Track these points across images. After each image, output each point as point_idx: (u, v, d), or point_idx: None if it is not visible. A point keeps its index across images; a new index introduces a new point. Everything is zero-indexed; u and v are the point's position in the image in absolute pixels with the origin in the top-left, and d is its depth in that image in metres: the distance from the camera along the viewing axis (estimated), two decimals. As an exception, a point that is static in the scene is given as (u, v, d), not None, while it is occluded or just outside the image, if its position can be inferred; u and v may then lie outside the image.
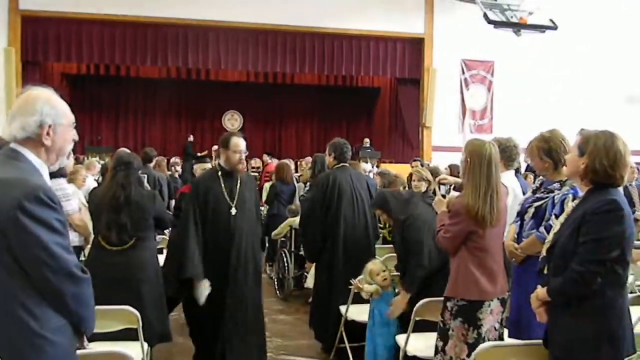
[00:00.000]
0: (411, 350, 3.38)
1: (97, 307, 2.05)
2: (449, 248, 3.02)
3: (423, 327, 3.33)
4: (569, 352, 2.27)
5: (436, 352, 3.01)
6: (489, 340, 2.90)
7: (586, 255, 2.21)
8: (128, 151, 6.52)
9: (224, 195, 3.88)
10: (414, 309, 3.32)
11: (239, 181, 3.96)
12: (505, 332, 3.34)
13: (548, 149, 3.22)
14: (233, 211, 3.86)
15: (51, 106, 1.91)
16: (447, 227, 2.97)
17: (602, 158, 2.25)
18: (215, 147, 12.11)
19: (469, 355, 2.87)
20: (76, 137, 2.03)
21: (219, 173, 3.95)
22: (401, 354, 3.46)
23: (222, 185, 3.90)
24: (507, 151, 3.97)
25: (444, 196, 3.36)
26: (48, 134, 1.89)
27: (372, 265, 3.93)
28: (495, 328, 2.95)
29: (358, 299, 4.09)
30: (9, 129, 1.86)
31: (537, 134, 3.35)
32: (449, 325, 2.95)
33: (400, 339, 3.52)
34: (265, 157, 13.34)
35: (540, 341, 2.54)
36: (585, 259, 2.21)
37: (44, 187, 1.82)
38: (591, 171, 2.28)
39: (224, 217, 3.84)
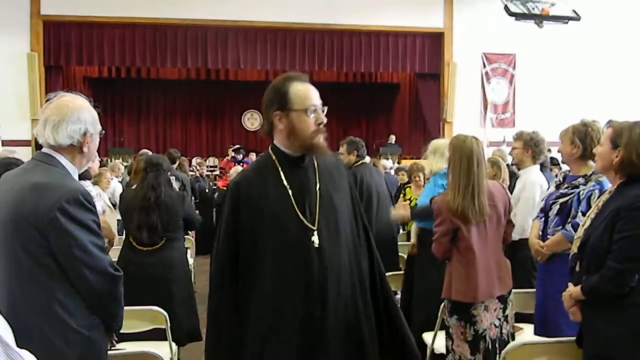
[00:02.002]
0: (438, 348, 3.35)
1: (126, 307, 2.10)
2: (439, 252, 3.00)
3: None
4: (605, 351, 2.22)
5: (447, 352, 3.00)
6: (489, 338, 2.87)
7: (622, 252, 2.15)
8: (149, 152, 6.59)
9: (293, 208, 1.94)
10: (441, 306, 3.29)
11: (316, 175, 2.02)
12: (530, 328, 3.31)
13: (584, 133, 3.11)
14: (314, 239, 1.92)
15: (91, 115, 2.01)
16: (434, 229, 2.97)
17: (638, 150, 2.18)
18: (233, 147, 11.98)
19: (472, 354, 2.85)
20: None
21: (277, 162, 2.01)
22: (428, 352, 3.44)
23: (287, 187, 1.97)
24: (539, 145, 3.93)
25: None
26: (87, 141, 1.99)
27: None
28: (495, 325, 2.91)
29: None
30: (52, 136, 1.94)
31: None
32: (449, 324, 2.95)
33: (427, 337, 3.49)
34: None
35: (572, 338, 2.50)
36: (621, 256, 2.15)
37: (82, 190, 1.91)
38: (627, 164, 2.21)
39: (297, 254, 1.91)
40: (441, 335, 3.30)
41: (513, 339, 3.03)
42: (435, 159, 3.93)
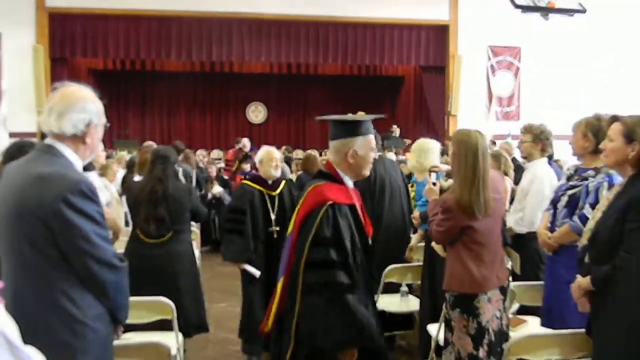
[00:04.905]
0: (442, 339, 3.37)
1: (134, 298, 2.11)
2: (444, 241, 3.01)
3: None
4: (614, 340, 2.24)
5: (446, 344, 2.99)
6: (492, 330, 2.87)
7: (634, 242, 2.17)
8: (154, 144, 6.60)
9: None
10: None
11: None
12: (533, 320, 3.32)
13: (598, 128, 3.08)
14: None
15: (96, 106, 2.00)
16: (440, 222, 2.94)
17: None
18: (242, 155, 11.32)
19: (474, 348, 2.85)
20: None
21: None
22: (432, 344, 3.46)
23: None
24: (549, 137, 3.93)
25: (434, 184, 3.33)
26: (90, 132, 1.97)
27: None
28: (496, 317, 2.91)
29: (388, 289, 4.09)
30: (56, 124, 1.92)
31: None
32: (451, 316, 2.94)
33: (432, 328, 3.51)
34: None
35: (577, 330, 2.51)
36: (632, 246, 2.17)
37: (85, 181, 1.90)
38: None
39: None
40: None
41: (508, 329, 3.05)
42: (429, 156, 4.06)
